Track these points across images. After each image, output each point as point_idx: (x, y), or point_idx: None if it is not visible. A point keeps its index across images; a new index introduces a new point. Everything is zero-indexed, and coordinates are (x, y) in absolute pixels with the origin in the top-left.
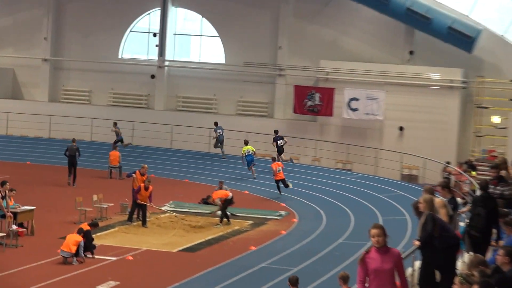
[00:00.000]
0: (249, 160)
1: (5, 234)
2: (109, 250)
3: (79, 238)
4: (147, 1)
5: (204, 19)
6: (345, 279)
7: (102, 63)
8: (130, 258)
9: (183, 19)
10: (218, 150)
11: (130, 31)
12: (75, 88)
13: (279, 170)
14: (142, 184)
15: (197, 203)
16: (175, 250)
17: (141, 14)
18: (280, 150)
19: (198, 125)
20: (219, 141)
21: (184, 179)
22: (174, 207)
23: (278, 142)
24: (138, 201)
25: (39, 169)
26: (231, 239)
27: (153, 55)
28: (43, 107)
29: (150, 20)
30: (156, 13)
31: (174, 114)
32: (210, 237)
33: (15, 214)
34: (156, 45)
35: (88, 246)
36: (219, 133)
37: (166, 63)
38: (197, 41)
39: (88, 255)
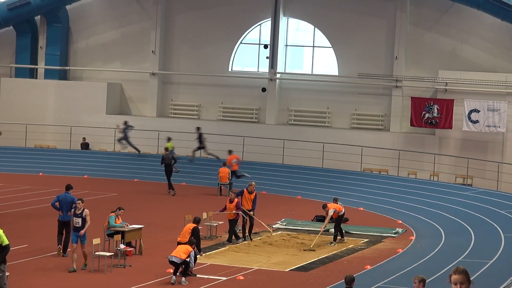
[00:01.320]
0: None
1: (113, 253)
2: (219, 269)
3: (190, 249)
4: (258, 12)
5: (316, 29)
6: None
7: (211, 76)
8: (241, 278)
9: (294, 30)
10: (331, 165)
11: (240, 43)
12: (184, 103)
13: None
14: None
15: (310, 221)
16: (287, 270)
17: (251, 26)
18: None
19: (311, 139)
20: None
21: (297, 196)
22: (286, 225)
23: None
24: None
25: (147, 186)
26: (346, 258)
27: (264, 68)
28: (151, 123)
29: (260, 31)
30: (266, 24)
31: (286, 128)
32: (323, 256)
33: (123, 233)
34: (267, 57)
35: (198, 244)
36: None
37: (278, 75)
38: (309, 52)
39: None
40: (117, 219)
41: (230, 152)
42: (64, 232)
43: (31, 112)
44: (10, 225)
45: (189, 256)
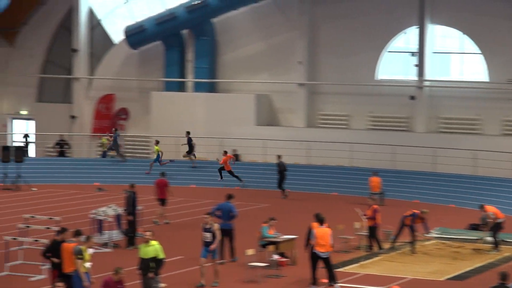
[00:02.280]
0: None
1: (267, 264)
2: (373, 279)
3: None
4: (404, 19)
5: (464, 35)
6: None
7: (358, 85)
8: (396, 287)
9: (441, 37)
10: (483, 173)
11: (387, 51)
12: (332, 113)
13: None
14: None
15: (464, 229)
16: (442, 279)
17: (397, 33)
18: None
19: (461, 147)
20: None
21: (450, 204)
22: (440, 234)
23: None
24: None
25: (297, 196)
26: (502, 266)
27: (412, 75)
28: (301, 133)
29: (407, 39)
30: (413, 32)
31: (436, 136)
32: (478, 265)
33: (276, 244)
34: (416, 65)
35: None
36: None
37: (426, 83)
38: (457, 59)
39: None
40: (269, 230)
41: (225, 152)
42: (225, 239)
43: (181, 125)
44: (167, 237)
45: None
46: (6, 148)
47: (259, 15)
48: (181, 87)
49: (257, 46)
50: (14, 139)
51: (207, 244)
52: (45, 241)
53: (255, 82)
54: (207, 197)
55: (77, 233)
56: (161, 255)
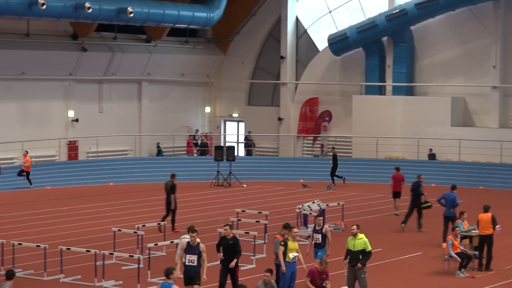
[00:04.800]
0: None
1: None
2: None
3: None
4: None
5: None
6: None
7: None
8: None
9: None
10: None
11: None
12: None
13: None
14: None
15: None
16: None
17: None
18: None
19: None
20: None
21: None
22: None
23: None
24: None
25: (491, 194)
26: None
27: None
28: (493, 133)
29: None
30: None
31: None
32: None
33: (470, 238)
34: None
35: None
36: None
37: None
38: None
39: None
40: (463, 224)
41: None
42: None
43: (381, 126)
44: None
45: None
46: (219, 148)
47: (455, 22)
48: (380, 91)
49: (453, 52)
50: (227, 140)
51: (317, 246)
52: (255, 233)
53: (450, 85)
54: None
55: (286, 226)
56: (369, 248)
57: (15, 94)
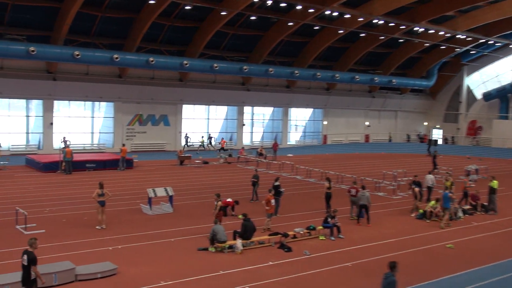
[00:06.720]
0: None
1: None
2: None
3: None
4: None
5: None
6: None
7: None
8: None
9: None
10: None
11: None
12: None
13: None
14: None
15: None
16: None
17: None
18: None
19: None
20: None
21: None
22: None
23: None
24: None
25: None
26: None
27: None
28: None
29: None
30: None
31: None
32: None
33: None
34: None
35: None
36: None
37: None
38: None
39: None
40: None
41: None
42: None
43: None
44: None
45: None
46: (432, 140)
47: None
48: (506, 117)
49: None
50: (433, 137)
51: None
52: None
53: None
54: None
55: None
56: None
57: None
